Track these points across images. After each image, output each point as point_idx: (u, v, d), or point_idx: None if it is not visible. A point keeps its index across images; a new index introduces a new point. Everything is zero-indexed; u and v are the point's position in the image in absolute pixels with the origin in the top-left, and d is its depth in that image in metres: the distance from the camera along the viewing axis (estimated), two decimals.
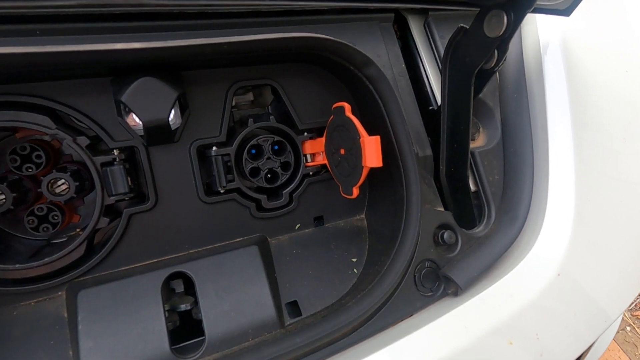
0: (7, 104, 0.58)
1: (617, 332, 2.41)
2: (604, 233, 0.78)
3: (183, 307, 0.62)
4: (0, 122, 0.57)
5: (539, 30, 0.88)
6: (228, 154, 0.68)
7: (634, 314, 2.52)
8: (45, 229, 0.64)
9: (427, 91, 0.83)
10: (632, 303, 2.52)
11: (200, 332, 0.60)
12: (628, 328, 2.46)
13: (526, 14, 0.60)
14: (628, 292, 0.83)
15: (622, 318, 2.44)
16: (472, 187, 0.80)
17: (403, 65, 0.79)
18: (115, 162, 0.62)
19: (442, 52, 0.82)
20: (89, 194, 0.69)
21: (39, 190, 0.63)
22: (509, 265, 0.70)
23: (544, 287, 0.68)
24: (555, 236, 0.72)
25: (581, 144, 0.79)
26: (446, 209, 0.77)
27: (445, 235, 0.70)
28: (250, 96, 0.79)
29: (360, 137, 0.62)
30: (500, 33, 0.61)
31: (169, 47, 0.54)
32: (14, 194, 0.61)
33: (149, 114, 0.57)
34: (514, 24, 0.60)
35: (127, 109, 0.60)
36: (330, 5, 0.67)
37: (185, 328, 0.63)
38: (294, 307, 0.67)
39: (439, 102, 0.81)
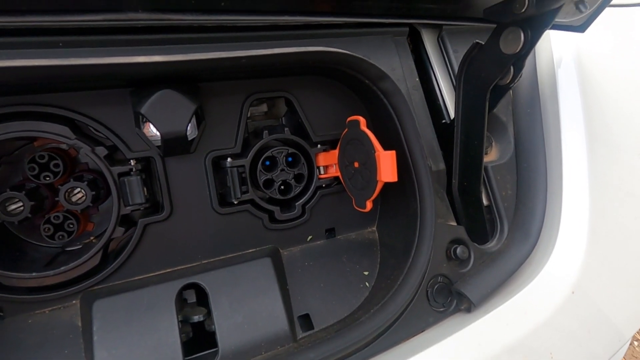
0: (28, 114, 0.59)
1: None
2: (619, 250, 0.77)
3: (196, 318, 0.62)
4: (21, 131, 0.58)
5: (552, 46, 0.88)
6: (243, 166, 0.69)
7: None
8: (60, 237, 0.64)
9: (440, 104, 0.83)
10: None
11: (213, 344, 0.60)
12: (635, 343, 2.42)
13: (544, 31, 0.60)
14: None
15: None
16: (485, 201, 0.79)
17: (417, 79, 0.79)
18: (132, 172, 0.63)
19: (455, 66, 0.83)
20: (103, 202, 0.70)
21: (55, 198, 0.64)
22: (523, 282, 0.70)
23: (559, 305, 0.67)
24: (570, 253, 0.71)
25: (595, 159, 0.79)
26: (458, 223, 0.76)
27: (458, 250, 0.70)
28: (264, 107, 0.80)
29: (375, 152, 0.62)
30: (517, 50, 0.61)
31: (190, 61, 0.55)
32: (32, 203, 0.61)
33: (168, 125, 0.58)
34: (531, 42, 0.60)
35: (145, 120, 0.60)
36: (346, 20, 0.68)
37: (198, 339, 0.63)
38: (306, 321, 0.67)
39: (452, 116, 0.81)
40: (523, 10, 0.57)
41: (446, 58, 0.84)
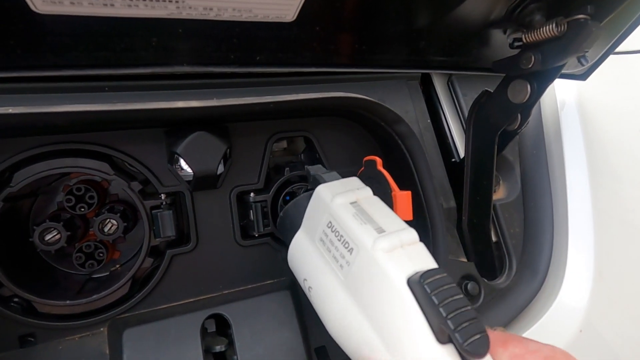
0: (70, 152, 0.63)
1: None
2: (626, 285, 0.80)
3: (218, 348, 0.64)
4: (63, 168, 0.62)
5: (556, 90, 0.94)
6: (265, 200, 0.72)
7: None
8: (90, 265, 0.68)
9: (449, 144, 0.88)
10: None
11: None
12: None
13: (549, 84, 0.65)
14: None
15: None
16: (493, 238, 0.83)
17: (428, 120, 0.84)
18: (162, 206, 0.67)
19: (464, 107, 0.88)
20: (130, 231, 0.73)
21: (90, 229, 0.68)
22: (531, 319, 0.72)
23: (568, 343, 0.69)
24: (577, 291, 0.74)
25: (599, 196, 0.83)
26: (468, 259, 0.79)
27: (469, 286, 0.73)
28: (284, 144, 0.84)
29: (392, 191, 0.66)
30: (524, 100, 0.66)
31: (223, 106, 0.60)
32: (68, 233, 0.65)
33: (200, 164, 0.62)
34: (538, 93, 0.65)
35: (178, 158, 0.65)
36: (364, 71, 0.73)
37: None
38: (323, 352, 0.69)
39: (461, 154, 0.86)
40: (530, 66, 0.62)
41: (455, 101, 0.90)
